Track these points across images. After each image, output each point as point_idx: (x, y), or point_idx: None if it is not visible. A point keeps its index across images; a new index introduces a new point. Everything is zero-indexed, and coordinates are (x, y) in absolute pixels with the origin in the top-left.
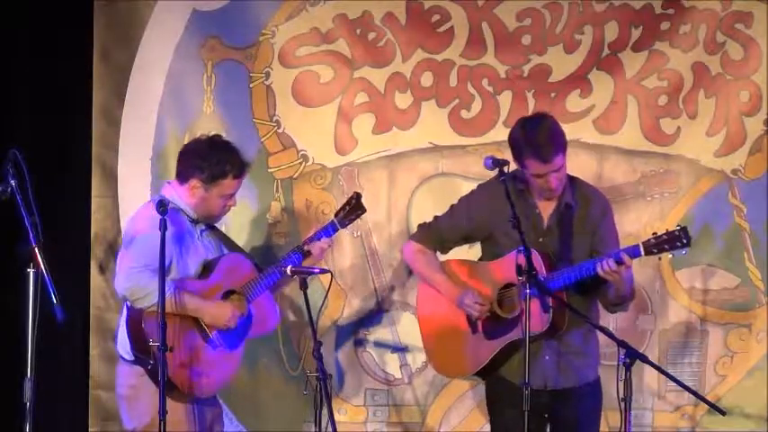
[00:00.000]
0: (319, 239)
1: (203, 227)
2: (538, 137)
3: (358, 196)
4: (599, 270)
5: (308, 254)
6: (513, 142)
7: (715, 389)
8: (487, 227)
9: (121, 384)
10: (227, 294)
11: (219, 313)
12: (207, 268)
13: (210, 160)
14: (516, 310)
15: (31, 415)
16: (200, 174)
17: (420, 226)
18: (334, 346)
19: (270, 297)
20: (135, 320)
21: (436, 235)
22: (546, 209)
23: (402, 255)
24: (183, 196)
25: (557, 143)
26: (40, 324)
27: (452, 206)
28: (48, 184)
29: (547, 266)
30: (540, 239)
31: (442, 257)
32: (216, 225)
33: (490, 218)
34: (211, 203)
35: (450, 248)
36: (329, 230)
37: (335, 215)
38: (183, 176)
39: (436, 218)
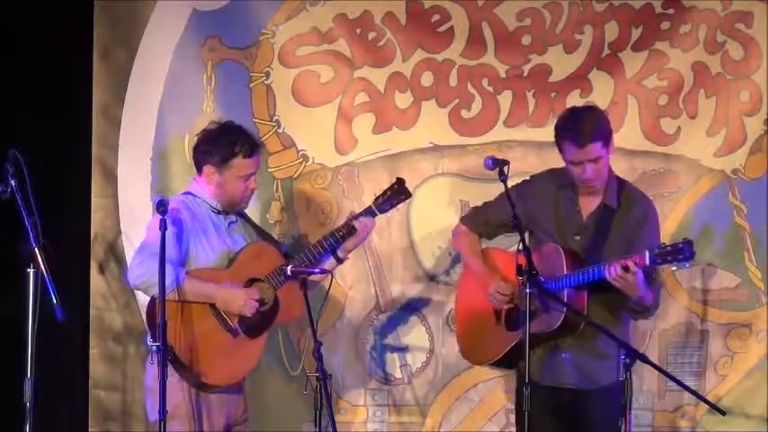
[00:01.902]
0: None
1: (233, 218)
2: (578, 122)
3: (401, 181)
4: (606, 275)
5: (347, 235)
6: (556, 126)
7: (715, 389)
8: (528, 219)
9: (150, 377)
10: (249, 283)
11: (232, 299)
12: (231, 260)
13: (219, 143)
14: (536, 303)
15: (31, 415)
16: (212, 158)
17: (471, 209)
18: (334, 346)
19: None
20: (150, 309)
21: (482, 220)
22: (587, 207)
23: (452, 234)
24: (203, 186)
25: (596, 131)
26: (40, 324)
27: (501, 194)
28: (48, 184)
29: (569, 265)
30: (577, 237)
31: (486, 243)
32: (247, 215)
33: (532, 210)
34: (230, 187)
35: (495, 235)
36: (366, 216)
37: (374, 201)
38: (198, 166)
39: (485, 204)
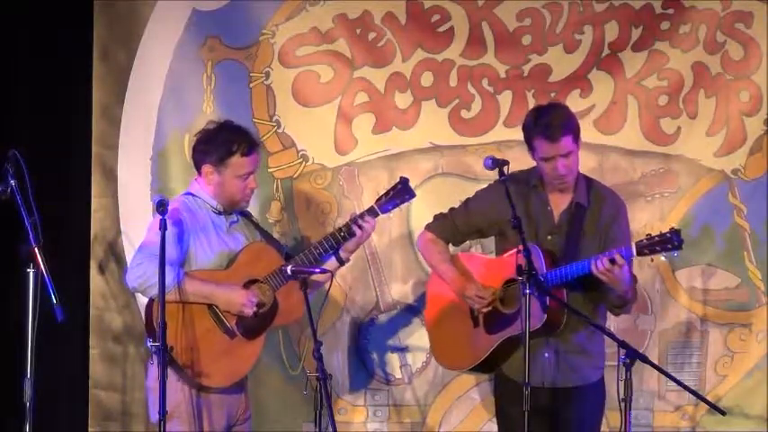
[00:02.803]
0: (355, 223)
1: (234, 218)
2: (547, 118)
3: (405, 181)
4: (593, 269)
5: (347, 236)
6: (525, 125)
7: (715, 389)
8: (499, 223)
9: (151, 377)
10: (248, 284)
11: (232, 299)
12: (231, 261)
13: (216, 142)
14: (516, 305)
15: (31, 415)
16: (209, 158)
17: (436, 216)
18: (334, 346)
19: (298, 285)
20: (149, 310)
21: (450, 226)
22: (558, 206)
23: (417, 243)
24: (203, 186)
25: (565, 125)
26: (40, 324)
27: (468, 199)
28: (48, 184)
29: (548, 264)
30: (549, 237)
31: (453, 249)
32: (251, 215)
33: (502, 214)
34: (228, 187)
35: (463, 241)
36: (367, 216)
37: (377, 201)
38: (197, 166)
39: (452, 210)
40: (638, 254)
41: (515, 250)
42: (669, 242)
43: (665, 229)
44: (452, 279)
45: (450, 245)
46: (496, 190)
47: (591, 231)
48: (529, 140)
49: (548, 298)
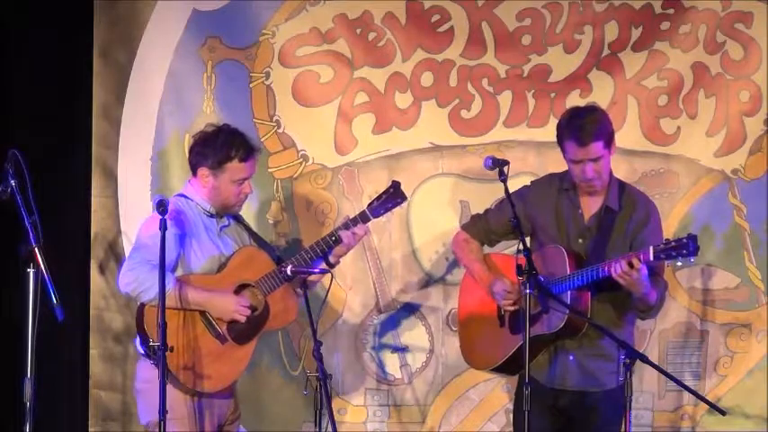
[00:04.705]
0: (347, 229)
1: (226, 222)
2: (580, 121)
3: (396, 185)
4: (612, 273)
5: (337, 242)
6: (558, 124)
7: (715, 389)
8: (530, 224)
9: (139, 379)
10: (239, 289)
11: (223, 306)
12: (222, 265)
13: (215, 146)
14: (539, 306)
15: (31, 415)
16: (206, 161)
17: (472, 217)
18: (334, 346)
19: (289, 290)
20: (139, 315)
21: (483, 227)
22: (589, 209)
23: (451, 242)
24: (197, 188)
25: (597, 131)
26: (40, 324)
27: (502, 200)
28: (48, 184)
29: (573, 266)
30: (580, 240)
31: (488, 250)
32: (243, 219)
33: (534, 214)
34: (224, 191)
35: (497, 242)
36: (360, 221)
37: (369, 204)
38: (193, 168)
39: (486, 211)
40: (655, 258)
41: (543, 250)
42: (685, 248)
43: (666, 229)
44: (482, 277)
45: (486, 245)
46: (530, 190)
47: (620, 235)
48: (560, 141)
49: (568, 297)
